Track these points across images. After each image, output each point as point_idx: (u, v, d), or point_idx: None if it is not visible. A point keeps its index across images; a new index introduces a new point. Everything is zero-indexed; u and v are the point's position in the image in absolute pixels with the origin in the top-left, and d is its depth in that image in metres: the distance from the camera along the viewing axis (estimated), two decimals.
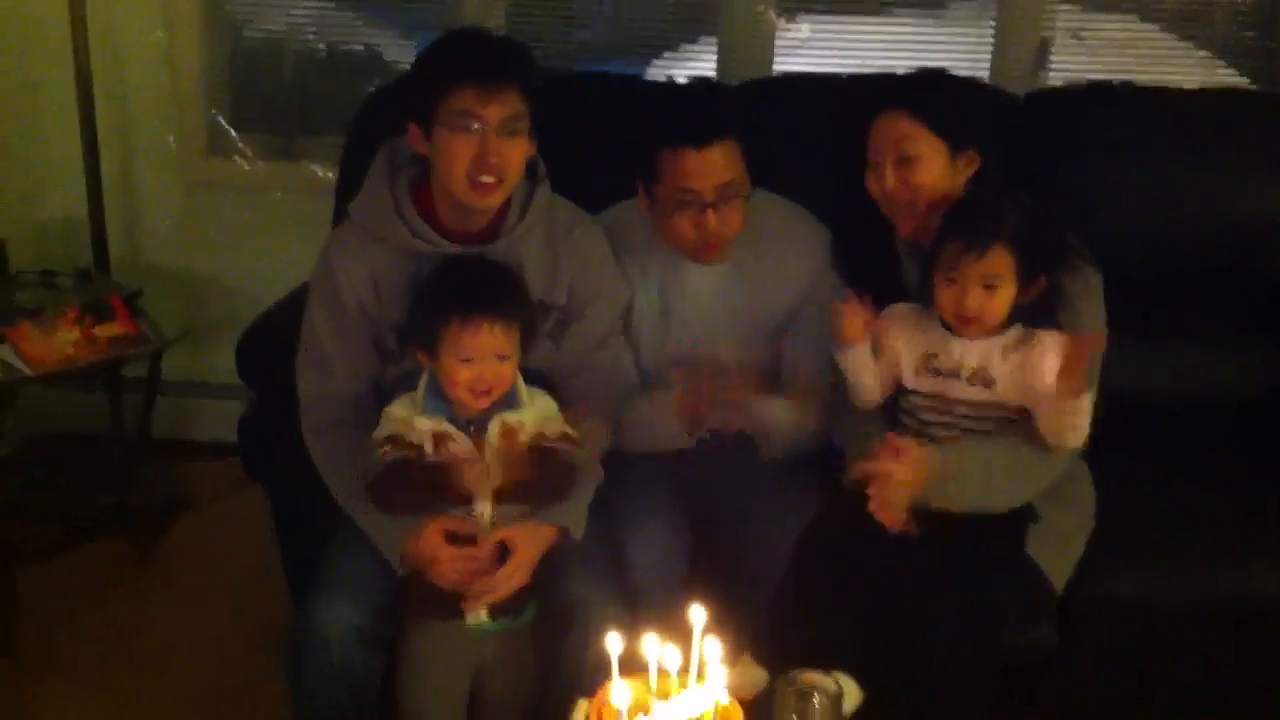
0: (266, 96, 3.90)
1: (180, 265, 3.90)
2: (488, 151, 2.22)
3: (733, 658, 1.95)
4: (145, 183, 3.87)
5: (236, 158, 3.83)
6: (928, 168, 2.36)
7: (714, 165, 2.38)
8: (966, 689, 2.19)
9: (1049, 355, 2.19)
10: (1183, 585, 2.50)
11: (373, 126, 2.86)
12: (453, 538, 2.21)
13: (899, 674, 2.18)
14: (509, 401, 2.25)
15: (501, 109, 2.22)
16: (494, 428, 2.21)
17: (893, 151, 2.37)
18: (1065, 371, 2.15)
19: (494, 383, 2.21)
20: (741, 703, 1.68)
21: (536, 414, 2.27)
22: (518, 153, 2.27)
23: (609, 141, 2.73)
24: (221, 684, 2.97)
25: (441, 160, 2.26)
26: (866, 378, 2.34)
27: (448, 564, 2.19)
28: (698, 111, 2.46)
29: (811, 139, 2.87)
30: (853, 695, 2.08)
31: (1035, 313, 2.26)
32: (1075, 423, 2.21)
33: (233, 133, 3.83)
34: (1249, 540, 2.55)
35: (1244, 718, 2.61)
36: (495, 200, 2.30)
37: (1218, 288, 2.93)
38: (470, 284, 2.24)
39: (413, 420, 2.21)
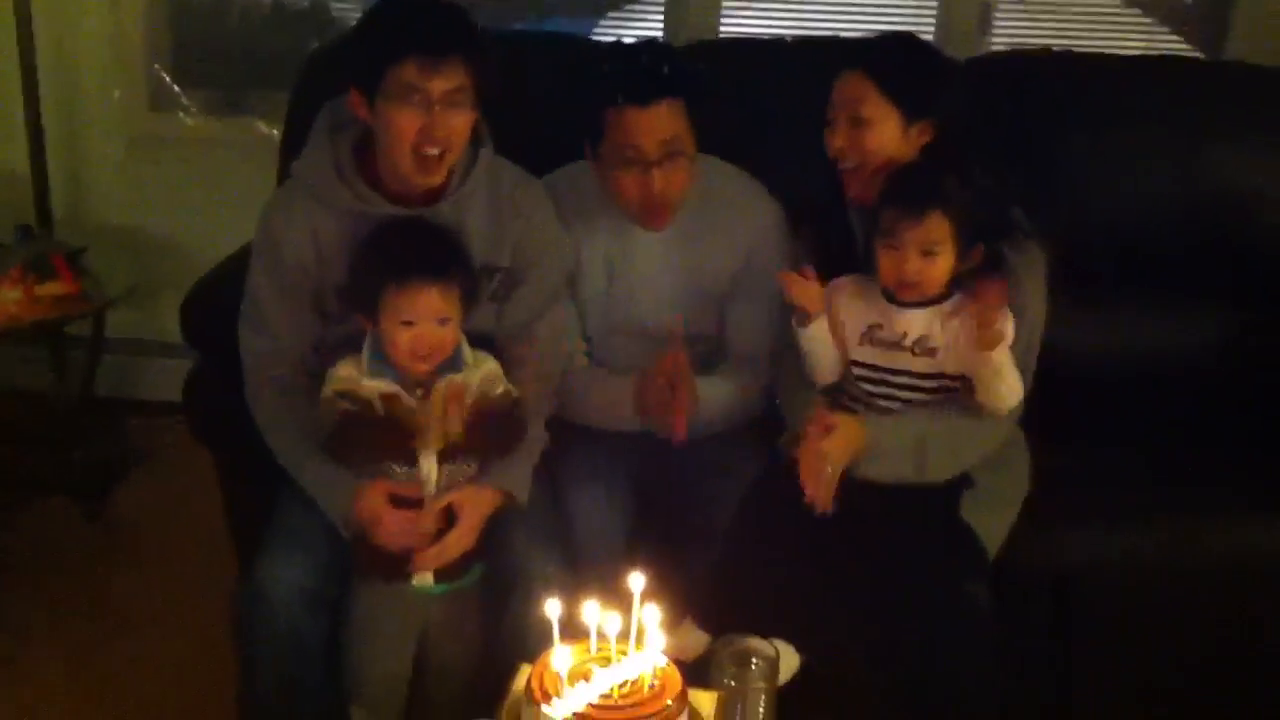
0: (211, 50, 3.87)
1: (124, 222, 3.86)
2: (433, 125, 2.20)
3: (674, 622, 1.99)
4: (88, 138, 3.83)
5: (180, 113, 3.79)
6: (878, 131, 2.36)
7: (659, 123, 2.37)
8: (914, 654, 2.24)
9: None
10: (1130, 545, 2.54)
11: (317, 84, 2.82)
12: (396, 500, 2.22)
13: (836, 641, 2.22)
14: (453, 364, 2.26)
15: (446, 82, 2.19)
16: (440, 388, 2.22)
17: (846, 111, 2.38)
18: (978, 323, 2.18)
19: (434, 346, 2.21)
20: (681, 666, 1.70)
21: (481, 375, 2.28)
22: (462, 123, 2.25)
23: (554, 102, 2.71)
24: (176, 642, 2.98)
25: (386, 132, 2.24)
26: (826, 354, 2.34)
27: (391, 526, 2.20)
28: (643, 69, 2.43)
29: (759, 102, 2.88)
30: (790, 662, 2.12)
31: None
32: (1003, 382, 2.23)
33: (176, 88, 3.79)
34: (1200, 500, 2.61)
35: (1203, 681, 2.65)
36: (439, 175, 2.29)
37: (1168, 255, 2.93)
38: (407, 247, 2.23)
39: (360, 381, 2.22)
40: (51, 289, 3.22)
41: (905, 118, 2.37)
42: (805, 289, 2.30)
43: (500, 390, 2.29)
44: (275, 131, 3.38)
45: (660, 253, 2.56)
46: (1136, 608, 2.57)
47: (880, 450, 2.26)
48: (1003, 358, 2.21)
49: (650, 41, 2.91)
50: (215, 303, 2.59)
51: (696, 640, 2.21)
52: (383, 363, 2.24)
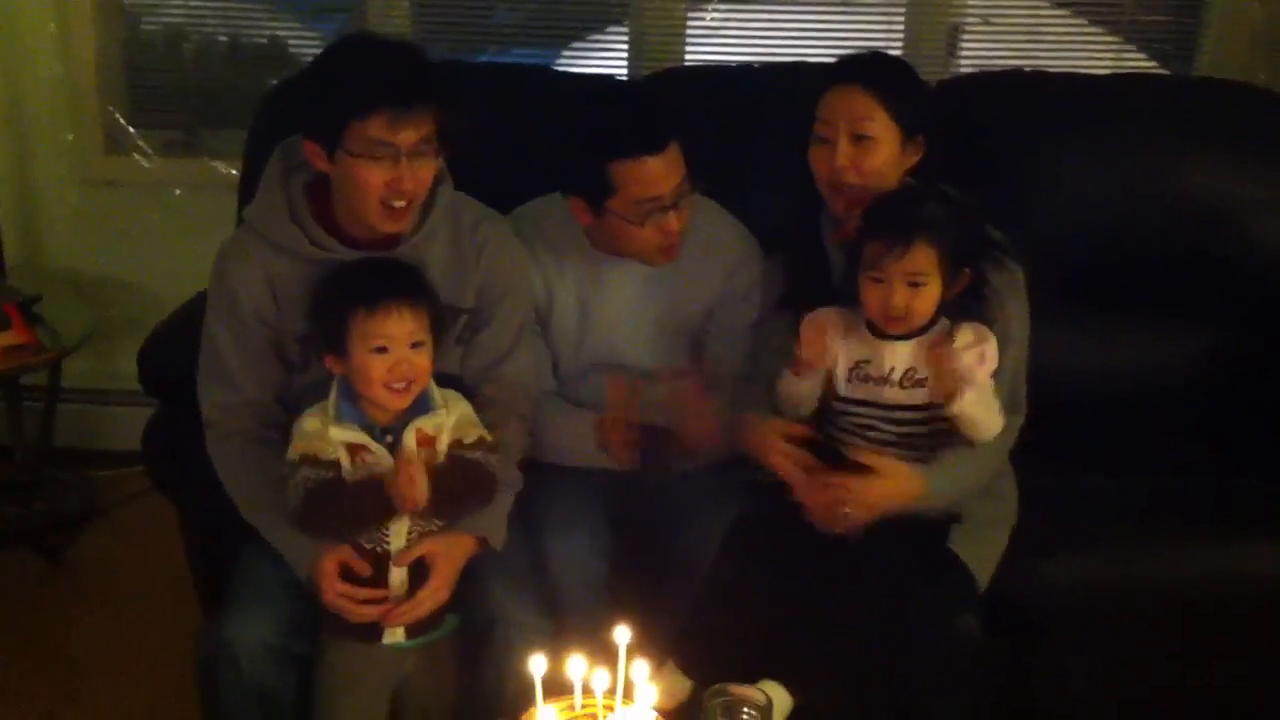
0: (166, 91, 3.83)
1: (80, 268, 3.81)
2: (400, 179, 2.13)
3: (656, 666, 1.93)
4: (41, 183, 3.78)
5: (135, 155, 3.74)
6: (883, 150, 2.30)
7: (671, 167, 2.33)
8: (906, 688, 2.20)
9: (964, 348, 2.18)
10: (1119, 569, 2.51)
11: (275, 122, 2.79)
12: (350, 572, 2.15)
13: (823, 678, 2.18)
14: (422, 406, 2.16)
15: (414, 133, 2.12)
16: (409, 437, 2.13)
17: (848, 128, 2.30)
18: (933, 376, 2.17)
19: (411, 374, 2.12)
20: (665, 713, 1.65)
21: (452, 419, 2.19)
22: (428, 172, 2.19)
23: (518, 135, 2.69)
24: (141, 691, 2.95)
25: (350, 187, 2.17)
26: (809, 395, 2.29)
27: (338, 602, 2.13)
28: (647, 117, 2.38)
29: (727, 130, 2.85)
30: (783, 703, 2.08)
31: (962, 308, 2.24)
32: (980, 417, 2.20)
33: (131, 130, 3.73)
34: (1184, 523, 2.59)
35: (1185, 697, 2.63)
36: (406, 223, 2.23)
37: (1142, 273, 2.92)
38: (373, 274, 2.17)
39: (326, 431, 2.12)
40: (4, 339, 3.15)
41: (904, 135, 2.32)
42: (818, 341, 2.23)
43: (475, 435, 2.21)
44: (234, 171, 3.34)
45: (633, 288, 2.52)
46: (1103, 632, 2.54)
47: (934, 499, 2.24)
48: (967, 401, 2.17)
49: (633, 87, 2.88)
50: (173, 349, 2.55)
51: (680, 685, 2.16)
52: (352, 408, 2.15)
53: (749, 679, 1.91)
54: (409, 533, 2.16)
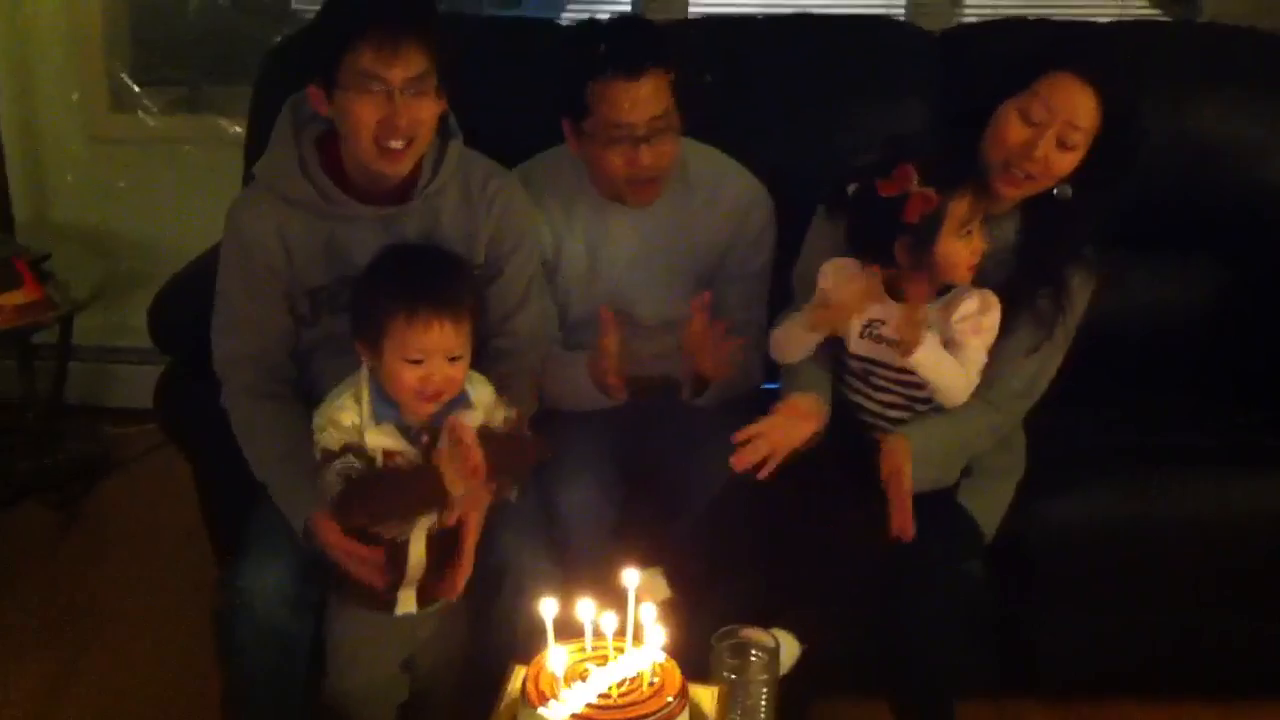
0: (170, 48, 3.80)
1: (89, 225, 3.81)
2: (394, 114, 2.12)
3: (641, 566, 1.93)
4: (48, 141, 3.77)
5: (141, 113, 3.73)
6: (1075, 159, 2.18)
7: (646, 97, 2.32)
8: (911, 639, 2.21)
9: (962, 318, 2.17)
10: (1133, 507, 2.55)
11: (279, 78, 2.78)
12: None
13: (834, 624, 2.20)
14: (458, 401, 2.08)
15: (405, 69, 2.11)
16: (445, 438, 2.02)
17: (1061, 127, 2.15)
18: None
19: (443, 386, 2.03)
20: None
21: (483, 409, 2.12)
22: (427, 113, 2.18)
23: (527, 89, 2.68)
24: (155, 643, 2.96)
25: (346, 124, 2.17)
26: (809, 346, 2.29)
27: (342, 549, 2.12)
28: (629, 41, 2.37)
29: (735, 80, 2.85)
30: (791, 650, 2.09)
31: (1034, 304, 2.24)
32: (938, 379, 2.18)
33: (136, 88, 3.73)
34: (1201, 457, 2.62)
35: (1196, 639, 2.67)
36: (405, 166, 2.22)
37: (1152, 215, 2.87)
38: (417, 275, 2.06)
39: (363, 433, 2.04)
40: (14, 297, 3.16)
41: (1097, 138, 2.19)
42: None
43: (501, 418, 2.14)
44: (238, 128, 3.34)
45: (641, 234, 2.52)
46: (1103, 572, 2.58)
47: (923, 462, 2.20)
48: (922, 356, 2.14)
49: (633, 15, 2.86)
50: (184, 304, 2.56)
51: (659, 589, 2.14)
52: (385, 402, 2.05)
53: (750, 621, 1.91)
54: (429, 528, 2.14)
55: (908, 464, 2.16)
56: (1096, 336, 2.38)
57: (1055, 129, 2.15)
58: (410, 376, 2.00)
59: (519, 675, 1.67)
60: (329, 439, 2.03)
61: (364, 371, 2.08)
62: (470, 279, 2.15)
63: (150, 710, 2.75)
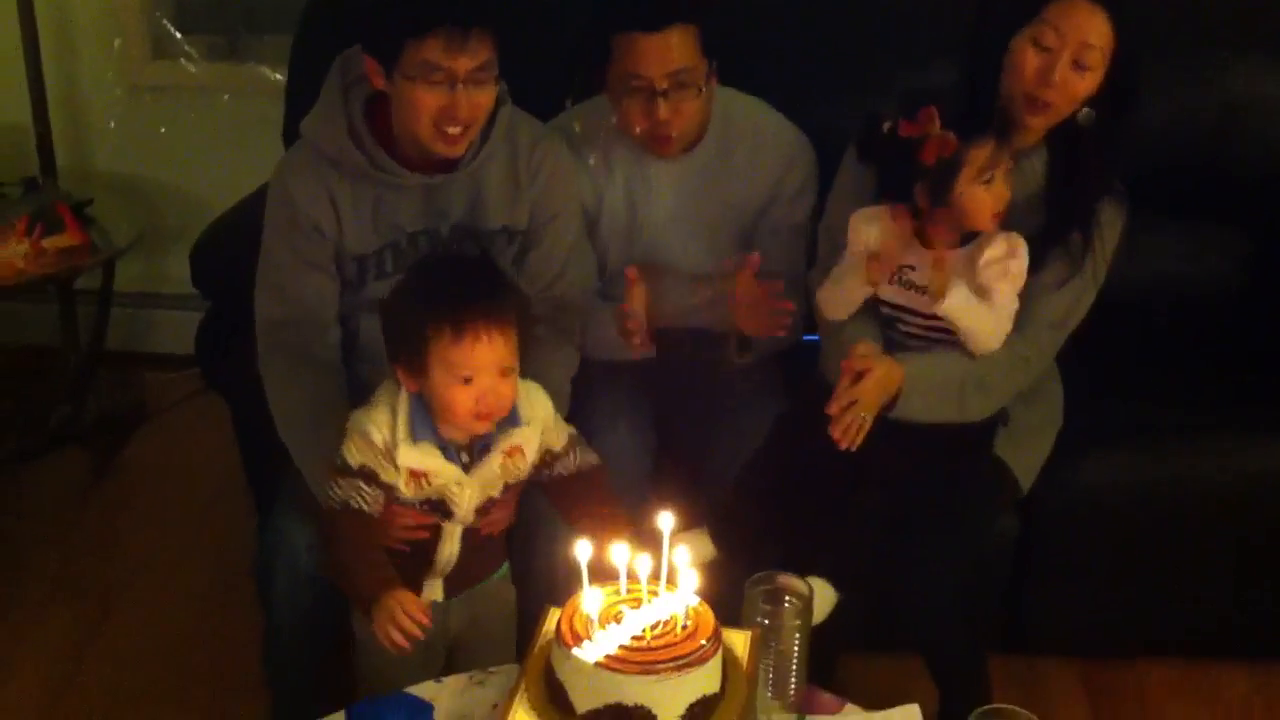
0: None
1: (130, 172, 3.81)
2: (456, 105, 2.10)
3: (685, 527, 1.94)
4: (89, 89, 3.77)
5: (182, 60, 3.73)
6: (1093, 81, 2.17)
7: (667, 51, 2.29)
8: (941, 593, 2.22)
9: (988, 263, 2.14)
10: (1158, 472, 2.56)
11: (319, 31, 2.80)
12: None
13: (869, 575, 2.20)
14: (506, 421, 1.97)
15: (471, 60, 2.08)
16: (495, 461, 1.99)
17: (1075, 48, 2.14)
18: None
19: (495, 405, 1.91)
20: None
21: (538, 425, 2.03)
22: (486, 100, 2.16)
23: (564, 42, 2.67)
24: (190, 591, 2.99)
25: (405, 109, 2.14)
26: (858, 300, 2.25)
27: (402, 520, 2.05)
28: None
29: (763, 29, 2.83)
30: (826, 599, 2.09)
31: (1064, 237, 2.23)
32: (971, 325, 2.16)
33: (177, 35, 3.73)
34: (1225, 423, 2.63)
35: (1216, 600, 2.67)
36: (462, 148, 2.20)
37: (1186, 179, 2.88)
38: (458, 286, 1.93)
39: (396, 450, 1.93)
40: (58, 241, 3.17)
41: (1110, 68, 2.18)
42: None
43: (564, 441, 2.07)
44: (280, 76, 3.35)
45: (681, 186, 2.51)
46: (1121, 531, 2.59)
47: (919, 390, 2.17)
48: (953, 301, 2.13)
49: None
50: (225, 249, 2.58)
51: (705, 548, 2.17)
52: (426, 424, 1.94)
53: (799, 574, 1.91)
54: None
55: (877, 373, 2.11)
56: (1124, 305, 2.37)
57: (1069, 51, 2.14)
58: (464, 397, 1.88)
59: (553, 616, 1.68)
60: (350, 452, 1.94)
61: (406, 395, 1.97)
62: (509, 283, 2.04)
63: (180, 658, 2.79)
